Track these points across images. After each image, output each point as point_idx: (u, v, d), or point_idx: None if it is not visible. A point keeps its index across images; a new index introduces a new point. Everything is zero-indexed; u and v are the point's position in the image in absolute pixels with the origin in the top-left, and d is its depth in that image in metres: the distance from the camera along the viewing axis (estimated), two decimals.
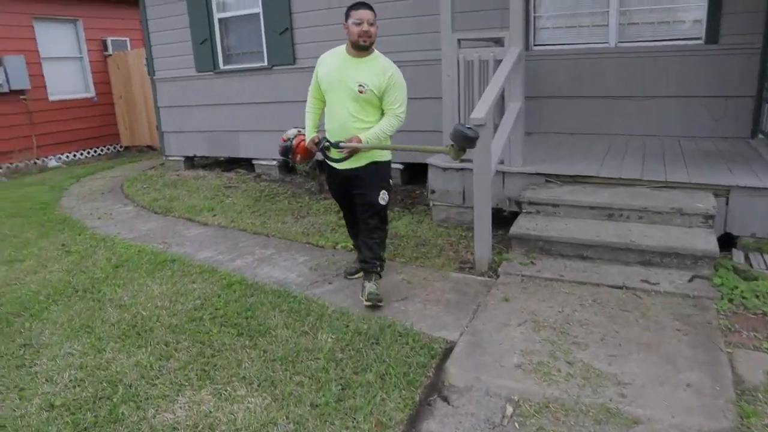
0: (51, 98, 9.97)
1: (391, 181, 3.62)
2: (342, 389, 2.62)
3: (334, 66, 3.37)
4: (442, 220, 4.92)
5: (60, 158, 10.16)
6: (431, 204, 5.03)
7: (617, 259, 3.70)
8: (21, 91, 9.40)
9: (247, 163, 7.89)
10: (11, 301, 3.86)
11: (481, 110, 3.65)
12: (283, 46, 6.87)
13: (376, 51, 3.35)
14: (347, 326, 3.19)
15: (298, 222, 5.32)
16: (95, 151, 10.89)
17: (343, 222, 4.23)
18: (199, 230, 5.37)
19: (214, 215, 5.77)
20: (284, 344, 3.03)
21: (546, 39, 5.90)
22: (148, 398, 2.66)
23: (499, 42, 4.59)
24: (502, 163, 4.43)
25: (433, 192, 4.93)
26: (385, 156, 3.51)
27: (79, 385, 2.80)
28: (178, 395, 2.67)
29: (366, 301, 3.42)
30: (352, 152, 3.32)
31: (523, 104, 4.53)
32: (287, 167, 7.34)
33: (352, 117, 3.34)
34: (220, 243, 4.90)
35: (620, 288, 3.43)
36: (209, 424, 2.45)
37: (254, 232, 5.14)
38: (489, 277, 3.80)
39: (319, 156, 3.63)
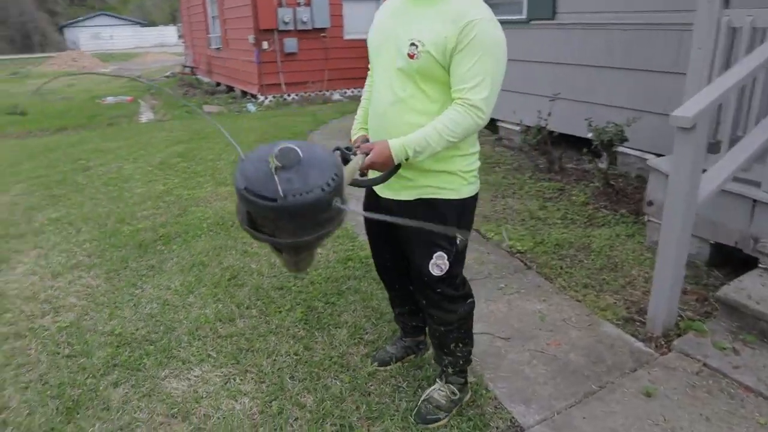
0: (345, 37, 10.90)
1: (458, 238, 1.96)
2: None
3: (385, 14, 1.95)
4: (656, 242, 3.59)
5: (344, 93, 11.17)
6: (646, 219, 3.71)
7: None
8: (322, 29, 10.48)
9: (491, 124, 7.23)
10: (183, 222, 4.26)
11: (695, 106, 2.35)
12: None
13: None
14: None
15: (493, 201, 4.59)
16: None
17: (555, 214, 3.15)
18: None
19: None
20: None
21: None
22: (173, 358, 2.59)
23: None
24: (758, 185, 2.91)
25: (650, 204, 3.60)
26: (450, 185, 1.90)
27: (143, 321, 2.89)
28: (197, 367, 2.52)
29: (413, 415, 2.17)
30: (381, 171, 1.83)
31: None
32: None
33: (395, 100, 1.85)
34: None
35: None
36: (195, 410, 2.24)
37: None
38: (655, 347, 2.59)
39: None
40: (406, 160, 1.77)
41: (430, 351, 2.42)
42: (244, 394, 2.32)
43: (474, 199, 2.01)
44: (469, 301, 2.14)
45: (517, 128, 6.56)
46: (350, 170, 1.63)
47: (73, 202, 4.84)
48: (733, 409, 2.13)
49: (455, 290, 2.06)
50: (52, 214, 4.56)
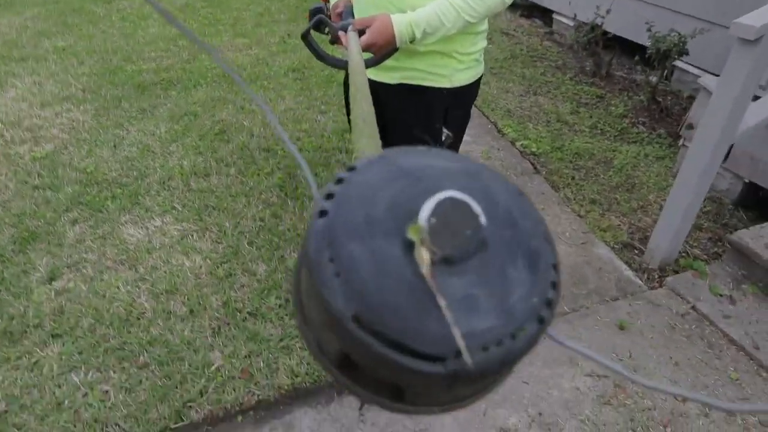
0: None
1: (445, 134, 1.68)
2: None
3: None
4: None
5: None
6: (681, 143, 3.32)
7: None
8: None
9: (544, 15, 6.55)
10: (189, 69, 4.02)
11: (764, 16, 1.92)
12: None
13: None
14: None
15: (522, 97, 4.20)
16: None
17: (585, 122, 2.80)
18: None
19: None
20: None
21: None
22: (137, 204, 2.49)
23: None
24: None
25: (690, 127, 3.20)
26: (441, 70, 1.54)
27: (119, 164, 2.78)
28: (159, 218, 2.42)
29: None
30: (379, 53, 1.42)
31: None
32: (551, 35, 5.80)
33: None
34: None
35: None
36: (144, 260, 2.16)
37: None
38: (647, 280, 2.37)
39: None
40: (411, 42, 1.39)
41: None
42: (198, 252, 2.22)
43: (473, 86, 1.66)
44: None
45: (572, 24, 5.92)
46: (355, 59, 1.10)
47: (84, 33, 4.62)
48: (707, 359, 1.94)
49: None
50: (59, 42, 4.37)
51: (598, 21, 4.83)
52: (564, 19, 6.07)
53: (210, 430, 1.62)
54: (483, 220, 0.33)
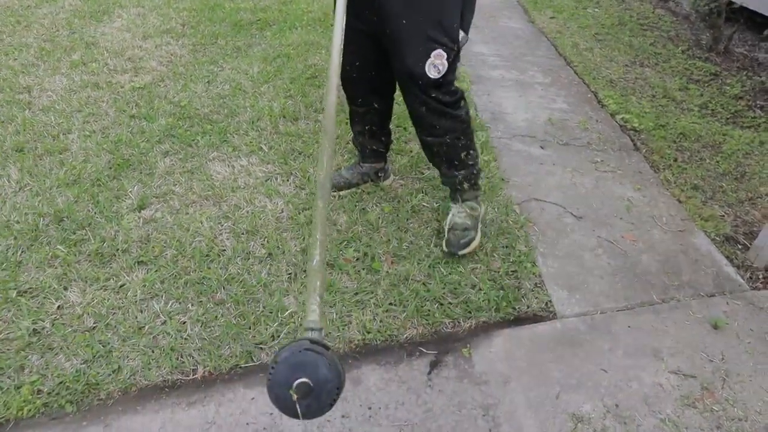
0: None
1: (458, 24, 1.70)
2: None
3: None
4: None
5: None
6: None
7: None
8: None
9: None
10: (285, 11, 3.99)
11: None
12: None
13: None
14: None
15: (627, 67, 3.90)
16: None
17: (695, 100, 2.68)
18: (516, 24, 4.49)
19: (552, 18, 4.70)
20: None
21: None
22: (225, 142, 2.52)
23: None
24: None
25: None
26: None
27: (211, 100, 2.82)
28: (245, 157, 2.44)
29: (444, 245, 2.01)
30: None
31: None
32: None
33: None
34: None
35: None
36: (228, 197, 2.20)
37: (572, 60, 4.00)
38: (749, 279, 2.17)
39: None
40: None
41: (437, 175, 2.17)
42: (280, 196, 2.23)
43: None
44: (464, 102, 1.87)
45: None
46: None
47: None
48: None
49: (452, 96, 1.79)
50: None
51: None
52: None
53: None
54: (311, 384, 0.87)
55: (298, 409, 0.94)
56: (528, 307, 1.90)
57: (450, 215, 2.05)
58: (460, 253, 1.98)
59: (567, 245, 2.20)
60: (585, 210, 2.41)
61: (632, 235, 2.31)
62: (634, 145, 2.97)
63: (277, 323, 1.74)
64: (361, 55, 1.85)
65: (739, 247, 2.36)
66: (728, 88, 3.83)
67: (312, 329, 0.93)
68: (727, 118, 3.41)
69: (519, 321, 1.87)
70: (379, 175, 2.31)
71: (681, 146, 3.02)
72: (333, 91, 1.21)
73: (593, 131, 3.02)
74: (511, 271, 2.02)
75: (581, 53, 4.01)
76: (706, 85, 3.84)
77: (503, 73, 3.57)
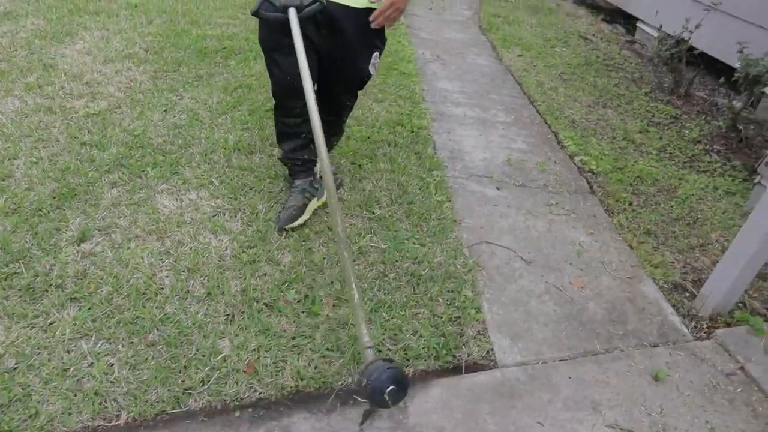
0: None
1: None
2: None
3: None
4: None
5: None
6: (757, 180, 3.04)
7: None
8: None
9: (627, 22, 6.18)
10: (253, 39, 3.98)
11: None
12: None
13: None
14: None
15: (590, 108, 3.97)
16: None
17: (654, 143, 2.76)
18: (484, 61, 4.55)
19: (520, 56, 4.78)
20: None
21: None
22: (176, 174, 2.48)
23: None
24: None
25: None
26: None
27: (166, 129, 2.78)
28: (195, 191, 2.41)
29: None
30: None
31: None
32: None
33: None
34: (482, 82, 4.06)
35: None
36: (172, 233, 2.15)
37: (538, 98, 4.06)
38: (694, 328, 2.18)
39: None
40: None
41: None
42: (226, 232, 2.19)
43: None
44: None
45: (655, 35, 5.56)
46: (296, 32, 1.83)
47: None
48: (751, 430, 1.76)
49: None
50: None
51: (685, 35, 4.51)
52: (648, 29, 5.73)
53: (205, 421, 1.59)
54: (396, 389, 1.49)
55: (390, 403, 1.50)
56: (469, 355, 1.88)
57: (318, 167, 2.37)
58: (339, 190, 2.47)
59: (514, 291, 2.19)
60: (535, 254, 2.41)
61: (581, 282, 2.31)
62: (591, 187, 3.00)
63: (208, 368, 1.69)
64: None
65: (687, 295, 2.38)
66: (687, 131, 3.91)
67: (370, 347, 1.57)
68: (684, 162, 3.48)
69: (458, 369, 1.85)
70: (315, 186, 2.34)
71: (637, 189, 3.06)
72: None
73: (550, 173, 3.05)
74: (455, 317, 2.00)
75: (545, 92, 4.07)
76: (665, 127, 3.92)
77: (466, 110, 3.60)
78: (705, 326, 2.21)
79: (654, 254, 2.56)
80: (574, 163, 3.20)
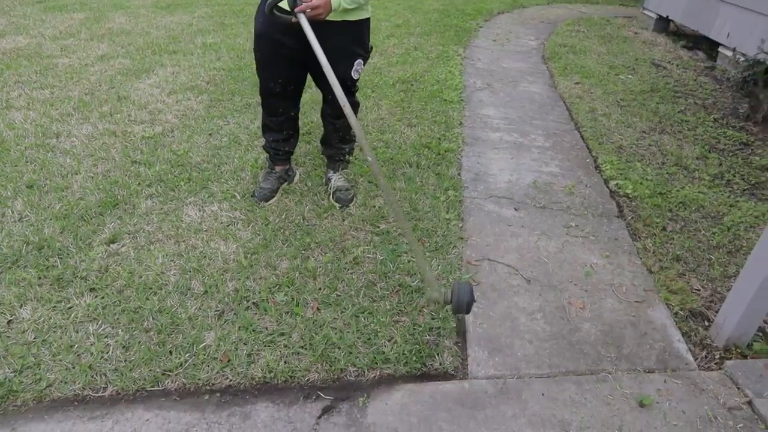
0: None
1: (368, 37, 2.44)
2: None
3: None
4: None
5: None
6: None
7: None
8: None
9: (710, 48, 5.84)
10: None
11: None
12: None
13: None
14: None
15: (644, 134, 3.81)
16: None
17: (710, 169, 2.88)
18: (536, 89, 4.53)
19: (578, 83, 4.70)
20: None
21: None
22: (205, 189, 2.73)
23: None
24: None
25: None
26: (361, 14, 2.34)
27: (208, 150, 3.06)
28: (218, 203, 2.64)
29: (335, 202, 2.65)
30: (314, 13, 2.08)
31: None
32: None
33: None
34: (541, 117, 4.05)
35: None
36: (188, 238, 2.38)
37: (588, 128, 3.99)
38: (703, 358, 2.03)
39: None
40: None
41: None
42: (236, 240, 2.38)
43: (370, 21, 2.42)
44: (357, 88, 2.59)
45: (737, 58, 5.23)
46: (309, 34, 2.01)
47: (233, 33, 5.16)
48: None
49: (356, 86, 2.54)
50: (209, 39, 4.92)
51: (761, 56, 4.23)
52: (730, 53, 5.40)
53: (177, 401, 1.73)
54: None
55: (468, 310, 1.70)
56: (440, 365, 1.89)
57: (333, 181, 2.70)
58: (351, 205, 2.63)
59: (505, 307, 2.17)
60: (538, 273, 2.37)
61: (581, 303, 2.24)
62: (620, 211, 2.89)
63: (188, 354, 1.85)
64: (285, 75, 2.41)
65: (705, 324, 2.22)
66: (756, 158, 3.64)
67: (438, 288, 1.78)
68: (744, 189, 3.24)
69: (426, 377, 1.86)
70: (289, 174, 2.77)
71: (676, 215, 2.90)
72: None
73: (578, 195, 2.98)
74: (435, 328, 2.02)
75: (596, 118, 3.97)
76: (730, 154, 3.68)
77: (503, 135, 3.61)
78: (717, 357, 2.05)
79: (677, 280, 2.41)
80: (608, 187, 3.10)
